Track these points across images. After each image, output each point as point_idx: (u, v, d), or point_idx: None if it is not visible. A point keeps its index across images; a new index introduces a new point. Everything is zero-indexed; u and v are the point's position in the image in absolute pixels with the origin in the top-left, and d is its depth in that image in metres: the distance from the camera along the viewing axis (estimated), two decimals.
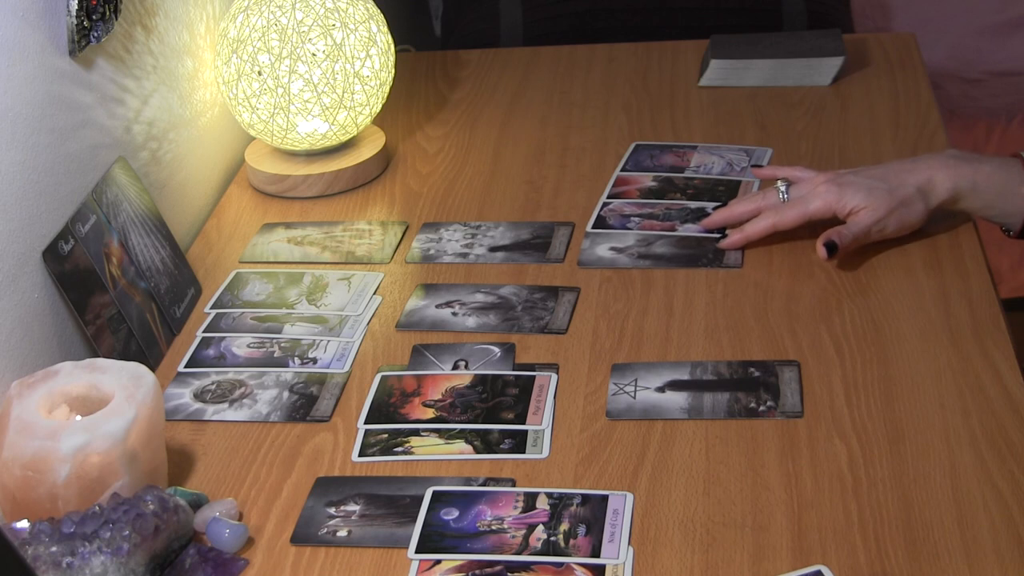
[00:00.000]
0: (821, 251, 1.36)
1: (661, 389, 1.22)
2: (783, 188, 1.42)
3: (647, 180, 1.57)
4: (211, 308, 1.40)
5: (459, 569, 1.03)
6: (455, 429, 1.19)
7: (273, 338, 1.34)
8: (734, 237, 1.43)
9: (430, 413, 1.21)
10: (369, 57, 1.56)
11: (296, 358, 1.30)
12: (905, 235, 1.40)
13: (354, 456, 1.17)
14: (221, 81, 1.58)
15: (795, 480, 1.10)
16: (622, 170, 1.60)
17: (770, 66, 1.79)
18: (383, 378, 1.27)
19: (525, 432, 1.18)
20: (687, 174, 1.58)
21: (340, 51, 1.54)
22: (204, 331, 1.36)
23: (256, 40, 1.53)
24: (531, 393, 1.23)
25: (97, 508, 1.01)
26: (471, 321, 1.34)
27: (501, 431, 1.18)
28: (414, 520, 1.08)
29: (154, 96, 1.48)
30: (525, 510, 1.08)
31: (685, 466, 1.13)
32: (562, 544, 1.04)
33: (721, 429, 1.17)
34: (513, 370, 1.26)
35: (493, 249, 1.47)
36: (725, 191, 1.53)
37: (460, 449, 1.17)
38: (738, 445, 1.14)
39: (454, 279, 1.42)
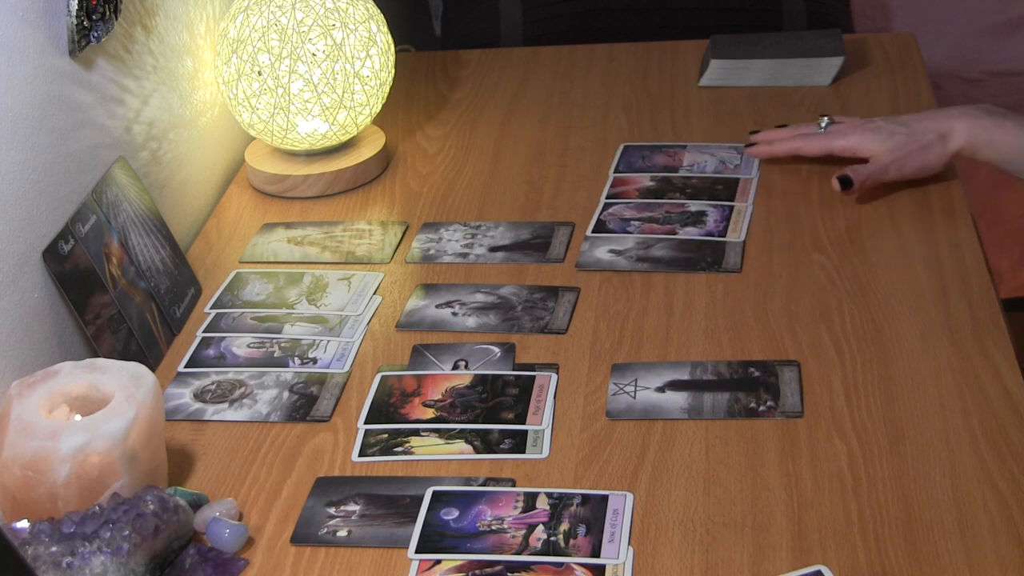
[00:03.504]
0: (835, 184, 1.46)
1: (661, 389, 1.22)
2: (823, 123, 1.53)
3: (645, 180, 1.57)
4: (211, 308, 1.40)
5: (459, 569, 1.03)
6: (455, 429, 1.19)
7: (273, 338, 1.34)
8: (760, 148, 1.55)
9: (430, 413, 1.21)
10: (369, 57, 1.56)
11: (296, 358, 1.30)
12: (921, 180, 1.48)
13: (354, 456, 1.17)
14: (221, 81, 1.58)
15: (795, 480, 1.10)
16: (615, 172, 1.60)
17: (770, 66, 1.79)
18: (383, 378, 1.27)
19: (525, 432, 1.18)
20: (682, 173, 1.58)
21: (340, 51, 1.54)
22: (204, 331, 1.36)
23: (256, 40, 1.53)
24: (531, 393, 1.23)
25: (97, 508, 1.01)
26: (471, 321, 1.34)
27: (501, 431, 1.18)
28: (414, 520, 1.08)
29: (154, 96, 1.48)
30: (525, 510, 1.08)
31: (685, 466, 1.13)
32: (562, 544, 1.04)
33: (721, 429, 1.17)
34: (513, 370, 1.26)
35: (493, 249, 1.47)
36: (724, 189, 1.53)
37: (460, 449, 1.17)
38: (738, 445, 1.14)
39: (454, 279, 1.42)
